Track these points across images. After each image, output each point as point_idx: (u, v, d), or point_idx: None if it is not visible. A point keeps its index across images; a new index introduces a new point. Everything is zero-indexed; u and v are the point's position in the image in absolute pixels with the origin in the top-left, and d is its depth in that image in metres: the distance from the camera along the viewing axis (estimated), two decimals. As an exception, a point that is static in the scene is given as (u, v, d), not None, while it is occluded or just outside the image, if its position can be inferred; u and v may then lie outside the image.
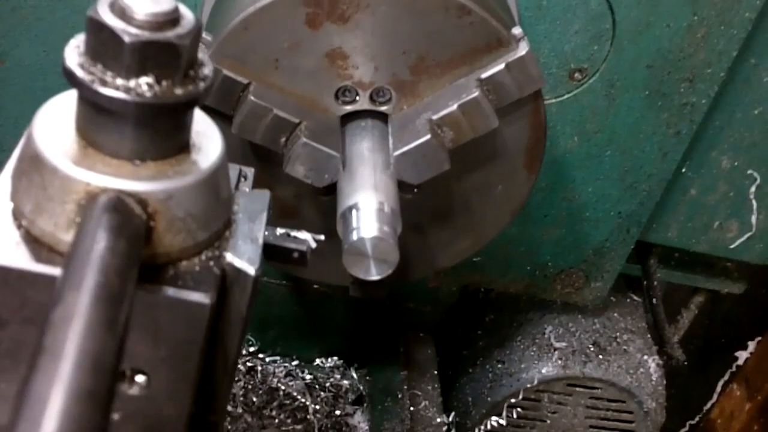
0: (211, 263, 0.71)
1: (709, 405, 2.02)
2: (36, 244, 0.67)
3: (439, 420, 1.45)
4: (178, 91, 0.65)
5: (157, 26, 0.63)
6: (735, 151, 1.49)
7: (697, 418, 2.04)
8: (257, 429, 1.45)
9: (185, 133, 0.69)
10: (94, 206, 0.63)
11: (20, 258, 0.66)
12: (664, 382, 1.74)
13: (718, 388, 2.00)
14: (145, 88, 0.63)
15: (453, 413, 1.51)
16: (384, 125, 1.08)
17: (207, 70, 0.68)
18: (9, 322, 0.68)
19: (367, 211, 0.98)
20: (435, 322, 1.72)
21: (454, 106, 1.03)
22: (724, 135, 1.47)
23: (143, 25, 0.63)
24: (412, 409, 1.47)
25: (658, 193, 1.48)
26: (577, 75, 1.36)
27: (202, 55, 0.69)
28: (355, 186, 1.01)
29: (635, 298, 1.81)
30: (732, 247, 1.60)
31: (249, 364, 1.56)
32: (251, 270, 0.72)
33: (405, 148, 1.04)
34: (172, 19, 0.64)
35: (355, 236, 0.96)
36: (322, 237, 0.94)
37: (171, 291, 0.67)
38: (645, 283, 1.70)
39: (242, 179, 0.90)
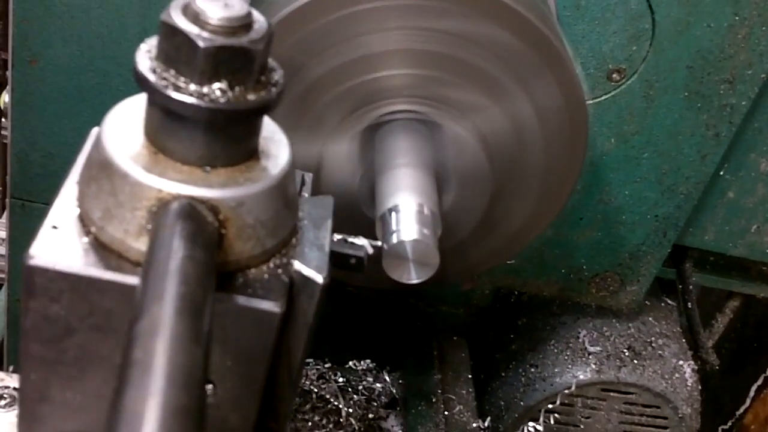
0: (280, 271, 0.70)
1: (742, 410, 2.00)
2: (105, 251, 0.66)
3: (474, 425, 1.44)
4: (251, 96, 0.64)
5: (231, 31, 0.63)
6: (774, 153, 1.48)
7: (729, 423, 2.02)
8: (291, 431, 1.44)
9: (255, 139, 0.69)
10: (167, 213, 0.62)
11: (89, 265, 0.65)
12: (700, 387, 1.73)
13: (752, 393, 1.98)
14: (218, 93, 0.62)
15: (488, 418, 1.50)
16: (426, 128, 1.07)
17: (278, 76, 0.67)
18: (76, 330, 0.67)
19: (407, 213, 0.97)
20: (468, 325, 1.71)
21: (506, 121, 1.02)
22: (764, 137, 1.46)
23: (217, 29, 0.62)
24: (446, 413, 1.46)
25: (696, 196, 1.47)
26: (615, 76, 1.35)
27: (273, 60, 0.69)
28: (395, 187, 1.01)
29: (669, 302, 1.80)
30: (770, 250, 1.59)
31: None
32: (319, 278, 0.71)
33: (449, 158, 1.03)
34: (245, 23, 0.64)
35: (395, 239, 0.95)
36: (379, 243, 0.93)
37: (241, 299, 0.66)
38: (680, 287, 1.68)
39: (302, 185, 0.89)
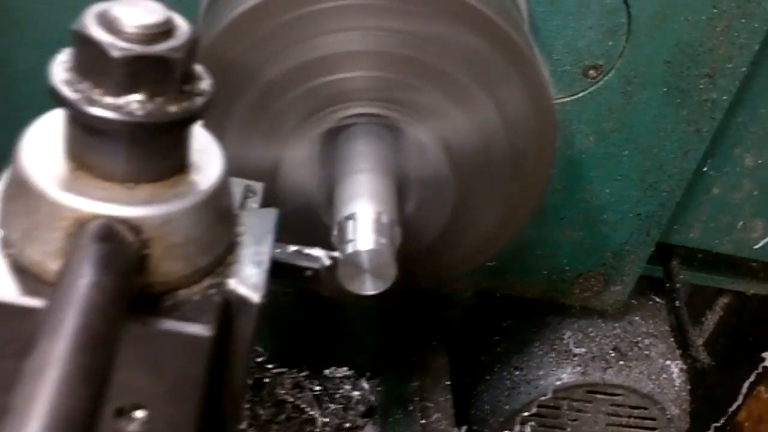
0: (213, 291, 0.66)
1: (735, 407, 1.96)
2: (24, 274, 0.62)
3: None
4: (172, 108, 0.60)
5: (149, 39, 0.59)
6: (759, 148, 1.44)
7: (722, 421, 1.98)
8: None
9: (183, 152, 0.65)
10: (82, 236, 0.58)
11: (6, 290, 0.61)
12: (688, 387, 1.69)
13: (744, 390, 1.94)
14: (135, 106, 0.59)
15: (465, 427, 1.46)
16: (387, 132, 1.03)
17: (205, 84, 0.64)
18: (-1, 357, 0.64)
19: (364, 221, 0.93)
20: (450, 328, 1.67)
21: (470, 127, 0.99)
22: (748, 131, 1.42)
23: (133, 38, 0.59)
24: (423, 421, 1.42)
25: (679, 193, 1.43)
26: (591, 72, 1.31)
27: (201, 68, 0.65)
28: (353, 194, 0.97)
29: (658, 300, 1.76)
30: (757, 247, 1.55)
31: (256, 375, 1.51)
32: (255, 297, 0.67)
33: (411, 163, 1.00)
34: (164, 30, 0.60)
35: (350, 248, 0.91)
36: (336, 254, 0.90)
37: (168, 323, 0.63)
38: (667, 285, 1.64)
39: (249, 195, 0.85)
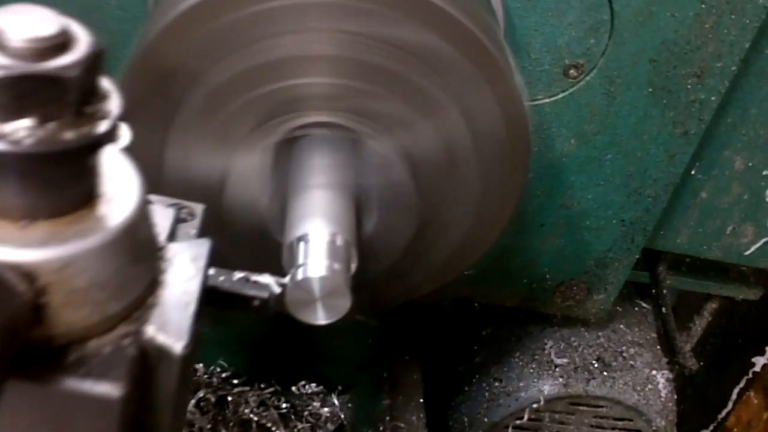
0: (127, 341, 0.58)
1: (724, 413, 1.89)
2: None
3: None
4: (69, 134, 0.51)
5: (39, 54, 0.50)
6: (749, 151, 1.36)
7: (711, 427, 1.91)
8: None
9: (88, 182, 0.56)
10: (-37, 285, 0.50)
11: None
12: (675, 397, 1.62)
13: (734, 396, 1.87)
14: (24, 133, 0.50)
15: None
16: (346, 144, 0.94)
17: (113, 105, 0.55)
18: None
19: (317, 244, 0.85)
20: (425, 340, 1.59)
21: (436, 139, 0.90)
22: (738, 133, 1.34)
23: (20, 53, 0.50)
24: (394, 444, 1.35)
25: (665, 198, 1.35)
26: (572, 72, 1.22)
27: (109, 85, 0.56)
28: (306, 212, 0.88)
29: (644, 305, 1.69)
30: (747, 253, 1.47)
31: (219, 393, 1.43)
32: (178, 347, 0.59)
33: (371, 178, 0.91)
34: (58, 43, 0.51)
35: (300, 275, 0.83)
36: (286, 280, 0.82)
37: (72, 382, 0.55)
38: (654, 291, 1.57)
39: (187, 218, 0.77)
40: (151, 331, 0.59)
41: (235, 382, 1.48)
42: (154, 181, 0.97)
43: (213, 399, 1.42)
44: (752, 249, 1.47)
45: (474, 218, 1.01)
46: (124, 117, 0.55)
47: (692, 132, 1.27)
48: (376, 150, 0.94)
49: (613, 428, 1.60)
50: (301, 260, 0.84)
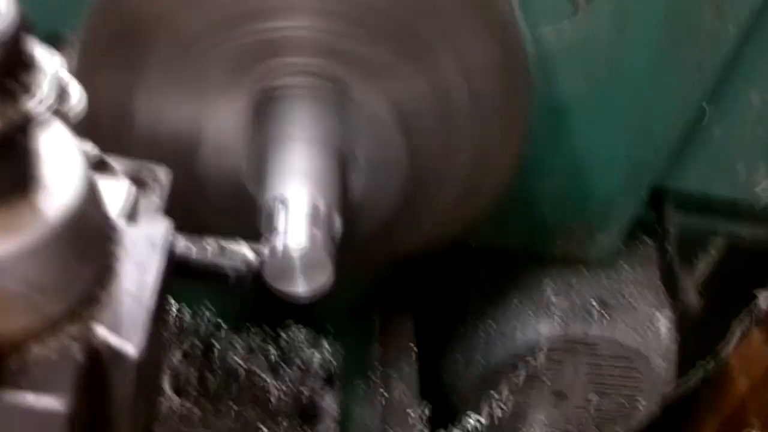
0: (74, 345, 0.51)
1: (726, 350, 1.84)
2: None
3: (414, 414, 1.27)
4: (-12, 118, 0.44)
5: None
6: (767, 85, 1.27)
7: (711, 363, 1.87)
8: (212, 417, 1.27)
9: (18, 167, 0.49)
10: None
11: None
12: (676, 337, 1.56)
13: (735, 332, 1.82)
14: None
15: (429, 406, 1.33)
16: (330, 96, 0.86)
17: (44, 81, 0.47)
18: None
19: (298, 209, 0.77)
20: (420, 282, 1.53)
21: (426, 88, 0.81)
22: (756, 67, 1.25)
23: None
24: (385, 394, 1.29)
25: (675, 136, 1.27)
26: (580, 0, 1.12)
27: (44, 54, 0.48)
28: (287, 171, 0.81)
29: (648, 242, 1.61)
30: (759, 190, 1.40)
31: (206, 340, 1.37)
32: (131, 350, 0.52)
33: (358, 132, 0.83)
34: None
35: (280, 244, 0.76)
36: (263, 248, 0.75)
37: (12, 396, 0.48)
38: (659, 229, 1.50)
39: (150, 186, 0.69)
40: (101, 332, 0.52)
41: (223, 326, 1.41)
42: (122, 133, 0.89)
43: (200, 346, 1.36)
44: (763, 186, 1.39)
45: (470, 173, 0.94)
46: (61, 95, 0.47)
47: (708, 69, 1.19)
48: (363, 102, 0.85)
49: (611, 367, 1.55)
50: (280, 227, 0.77)
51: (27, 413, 0.48)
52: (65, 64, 0.49)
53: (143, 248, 0.57)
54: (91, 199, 0.52)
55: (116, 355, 0.52)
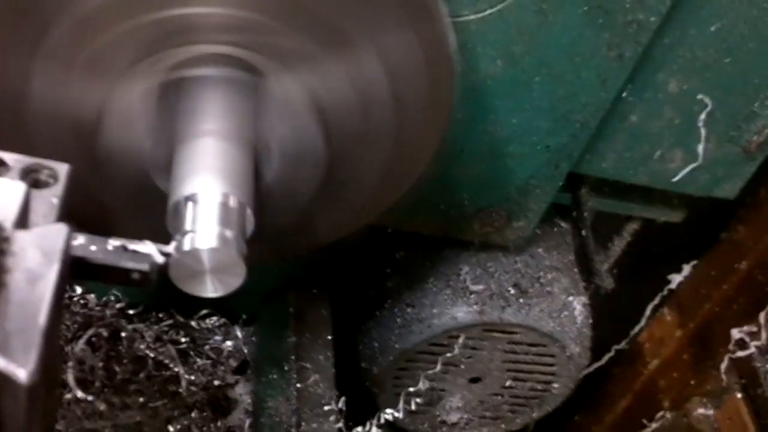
0: (-44, 372, 0.46)
1: (637, 329, 1.87)
2: None
3: (327, 408, 1.24)
4: None
5: None
6: (685, 74, 1.27)
7: (624, 343, 1.89)
8: (118, 409, 1.22)
9: None
10: None
11: None
12: (590, 322, 1.57)
13: (648, 313, 1.84)
14: None
15: (343, 398, 1.31)
16: (243, 85, 0.81)
17: None
18: None
19: (207, 207, 0.73)
20: (335, 266, 1.50)
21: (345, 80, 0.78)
22: (674, 55, 1.24)
23: None
24: (299, 385, 1.26)
25: (594, 124, 1.26)
26: (503, -13, 1.10)
27: None
28: (196, 167, 0.76)
29: (563, 225, 1.61)
30: (674, 179, 1.40)
31: (112, 327, 1.31)
32: (21, 374, 0.48)
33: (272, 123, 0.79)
34: None
35: (187, 245, 0.72)
36: (170, 249, 0.70)
37: None
38: (574, 213, 1.50)
39: (47, 183, 0.64)
40: (-12, 355, 0.47)
41: (131, 312, 1.36)
42: (17, 117, 0.83)
43: (106, 334, 1.30)
44: (680, 175, 1.40)
45: (389, 165, 0.91)
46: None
47: (627, 55, 1.18)
48: (278, 92, 0.81)
49: (526, 353, 1.55)
50: (188, 226, 0.73)
51: None
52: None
53: (35, 257, 0.52)
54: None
55: (5, 379, 0.47)
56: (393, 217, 1.35)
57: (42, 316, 0.50)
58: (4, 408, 0.49)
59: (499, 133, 1.25)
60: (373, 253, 1.56)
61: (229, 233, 0.73)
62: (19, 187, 0.55)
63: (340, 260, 1.50)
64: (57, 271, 0.52)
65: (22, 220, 0.55)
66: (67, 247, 0.54)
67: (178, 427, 1.25)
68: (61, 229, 0.55)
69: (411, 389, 1.49)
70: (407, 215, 1.36)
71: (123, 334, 1.32)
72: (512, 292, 1.48)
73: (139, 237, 0.68)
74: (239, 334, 1.41)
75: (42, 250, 0.52)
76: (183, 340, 1.36)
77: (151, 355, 1.31)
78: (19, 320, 0.49)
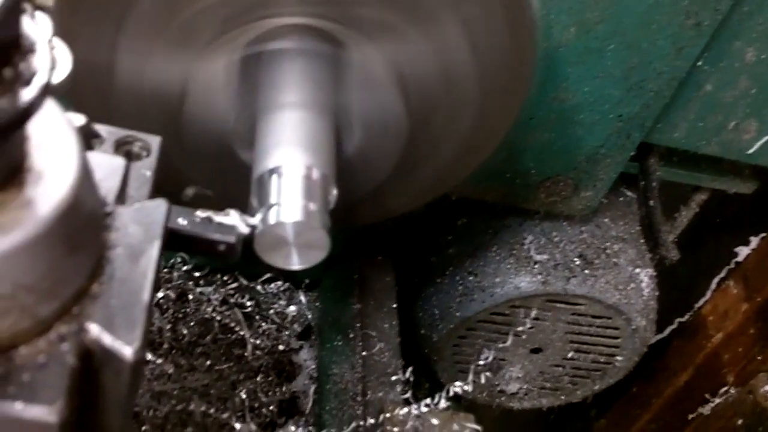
0: (65, 346, 0.46)
1: (701, 302, 1.84)
2: None
3: (394, 378, 1.24)
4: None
5: None
6: (763, 42, 1.23)
7: (687, 316, 1.87)
8: (185, 371, 1.23)
9: (10, 160, 0.44)
10: None
11: None
12: (656, 294, 1.55)
13: (713, 285, 1.81)
14: None
15: (411, 368, 1.31)
16: (325, 57, 0.80)
17: (38, 60, 0.41)
18: None
19: (292, 180, 0.73)
20: (397, 232, 1.49)
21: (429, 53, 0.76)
22: (753, 23, 1.20)
23: None
24: (364, 353, 1.26)
25: (668, 93, 1.23)
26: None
27: (37, 32, 0.43)
28: (279, 139, 0.76)
29: (629, 194, 1.59)
30: (749, 151, 1.37)
31: (180, 288, 1.32)
32: (127, 351, 0.48)
33: (354, 96, 0.78)
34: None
35: (273, 217, 0.72)
36: (255, 220, 0.70)
37: (-3, 404, 0.44)
38: (642, 183, 1.47)
39: (141, 155, 0.64)
40: (94, 330, 0.48)
41: (197, 275, 1.37)
42: (104, 90, 0.84)
43: (173, 295, 1.32)
44: (755, 146, 1.37)
45: (467, 137, 0.90)
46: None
47: (705, 23, 1.15)
48: (360, 63, 0.80)
49: (590, 326, 1.53)
50: (273, 199, 0.72)
51: (15, 423, 0.44)
52: (52, 31, 0.44)
53: (137, 232, 0.52)
54: (86, 185, 0.47)
55: (110, 356, 0.48)
56: (457, 185, 1.34)
57: (145, 293, 0.50)
58: (107, 382, 0.49)
59: (569, 101, 1.23)
60: (433, 220, 1.55)
61: (312, 206, 0.72)
62: (118, 162, 0.55)
63: (404, 227, 1.49)
64: (158, 247, 0.52)
65: (121, 195, 0.55)
66: (167, 222, 0.54)
67: (244, 390, 1.26)
68: (161, 205, 0.54)
69: (480, 362, 1.48)
70: (472, 183, 1.35)
71: (190, 297, 1.33)
72: (577, 262, 1.46)
73: (218, 209, 0.68)
74: (303, 299, 1.41)
75: (143, 225, 0.52)
76: (248, 303, 1.36)
77: (218, 318, 1.32)
78: (122, 297, 0.49)
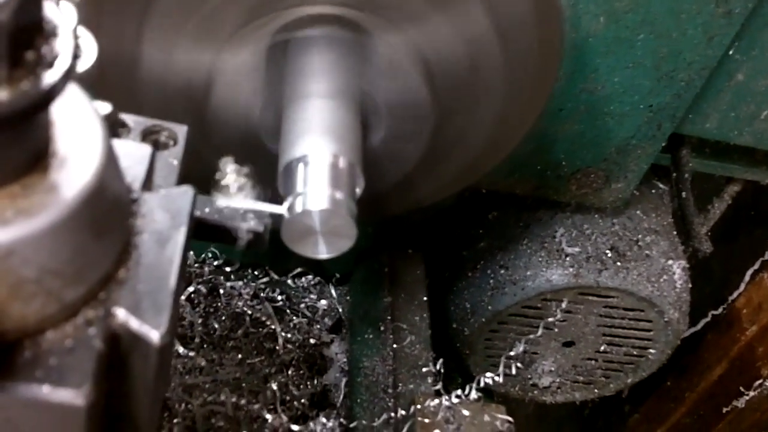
0: (92, 331, 0.47)
1: (735, 295, 1.82)
2: None
3: (425, 370, 1.24)
4: (2, 93, 0.39)
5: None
6: (795, 32, 1.22)
7: (721, 309, 1.84)
8: (217, 365, 1.24)
9: (36, 147, 0.44)
10: None
11: None
12: (689, 287, 1.53)
13: (747, 278, 1.79)
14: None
15: (441, 360, 1.31)
16: (350, 45, 0.81)
17: (62, 45, 0.42)
18: None
19: (318, 169, 0.73)
20: (428, 225, 1.49)
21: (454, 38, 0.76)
22: (785, 12, 1.19)
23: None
24: (395, 346, 1.26)
25: (700, 83, 1.22)
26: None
27: (60, 17, 0.43)
28: (305, 128, 0.76)
29: (661, 186, 1.57)
30: (781, 138, 1.36)
31: (211, 283, 1.33)
32: (154, 335, 0.48)
33: (380, 84, 0.78)
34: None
35: (299, 206, 0.72)
36: (283, 209, 0.71)
37: (24, 388, 0.44)
38: (674, 174, 1.46)
39: (168, 144, 0.65)
40: (121, 315, 0.48)
41: (228, 269, 1.38)
42: (129, 82, 0.84)
43: (204, 290, 1.33)
44: (787, 135, 1.35)
45: (495, 125, 0.89)
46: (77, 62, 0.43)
47: (736, 11, 1.13)
48: (385, 51, 0.80)
49: (623, 318, 1.52)
50: (300, 188, 0.73)
51: (42, 407, 0.45)
52: (77, 17, 0.45)
53: (163, 219, 0.53)
54: (111, 171, 0.48)
55: (137, 340, 0.48)
56: (487, 177, 1.34)
57: (172, 278, 0.50)
58: (135, 367, 0.50)
59: (599, 91, 1.22)
60: (464, 213, 1.55)
61: (339, 195, 0.73)
62: (145, 150, 0.56)
63: (434, 220, 1.49)
64: (184, 234, 0.52)
65: (148, 182, 0.56)
66: (193, 209, 0.54)
67: (275, 383, 1.27)
68: (187, 192, 0.55)
69: (511, 353, 1.48)
70: (502, 175, 1.35)
71: (221, 291, 1.34)
72: (609, 255, 1.45)
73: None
74: (333, 293, 1.42)
75: (169, 212, 0.53)
76: (279, 298, 1.37)
77: (249, 312, 1.33)
78: (149, 282, 0.50)
